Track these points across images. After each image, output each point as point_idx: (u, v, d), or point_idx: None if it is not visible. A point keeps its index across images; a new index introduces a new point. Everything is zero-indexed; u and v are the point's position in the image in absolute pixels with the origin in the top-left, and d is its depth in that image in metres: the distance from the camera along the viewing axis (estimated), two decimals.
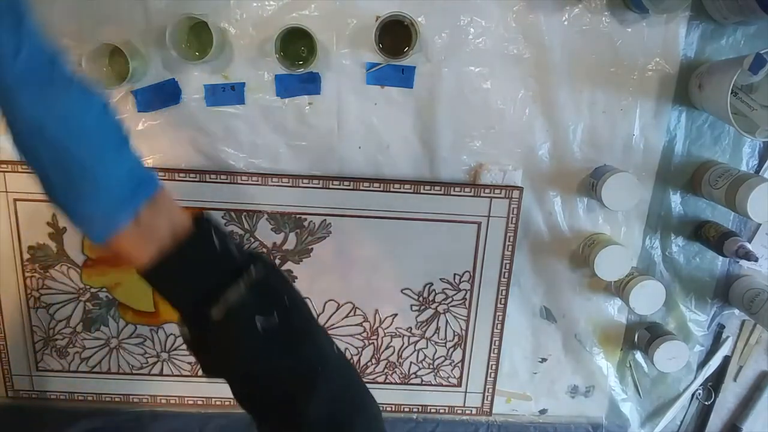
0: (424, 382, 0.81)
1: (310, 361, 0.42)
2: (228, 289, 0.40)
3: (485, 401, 0.82)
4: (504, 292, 0.76)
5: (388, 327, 0.78)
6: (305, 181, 0.71)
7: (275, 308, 0.41)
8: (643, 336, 0.79)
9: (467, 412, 0.82)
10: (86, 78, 0.39)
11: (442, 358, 0.79)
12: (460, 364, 0.80)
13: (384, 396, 0.81)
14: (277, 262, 0.75)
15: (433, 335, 0.78)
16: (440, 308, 0.77)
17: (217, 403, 0.80)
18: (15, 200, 0.71)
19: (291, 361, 0.42)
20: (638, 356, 0.82)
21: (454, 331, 0.78)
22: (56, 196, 0.38)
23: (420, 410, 0.82)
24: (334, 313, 0.77)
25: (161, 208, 0.41)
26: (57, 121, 0.37)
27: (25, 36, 0.36)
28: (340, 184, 0.72)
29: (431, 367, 0.80)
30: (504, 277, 0.76)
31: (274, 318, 0.41)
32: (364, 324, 0.78)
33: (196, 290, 0.41)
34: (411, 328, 0.78)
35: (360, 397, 0.46)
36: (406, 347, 0.79)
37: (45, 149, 0.37)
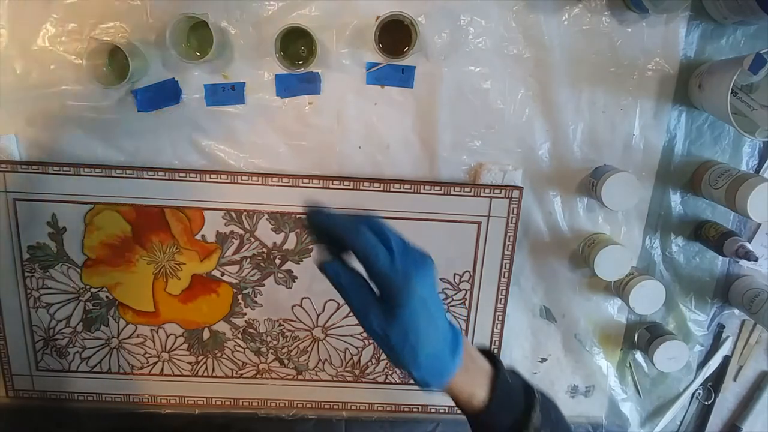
0: None
1: None
2: (532, 413, 0.46)
3: None
4: (504, 292, 0.76)
5: None
6: (305, 181, 0.71)
7: (550, 424, 0.49)
8: (643, 336, 0.79)
9: None
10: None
11: None
12: None
13: (384, 396, 0.81)
14: (277, 262, 0.75)
15: None
16: None
17: (218, 403, 0.80)
18: (15, 200, 0.71)
19: None
20: (638, 356, 0.82)
21: None
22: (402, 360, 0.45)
23: (420, 410, 0.82)
24: (334, 313, 0.77)
25: (469, 351, 0.48)
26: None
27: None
28: (340, 184, 0.72)
29: None
30: (504, 277, 0.76)
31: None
32: None
33: (512, 416, 0.47)
34: None
35: None
36: None
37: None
